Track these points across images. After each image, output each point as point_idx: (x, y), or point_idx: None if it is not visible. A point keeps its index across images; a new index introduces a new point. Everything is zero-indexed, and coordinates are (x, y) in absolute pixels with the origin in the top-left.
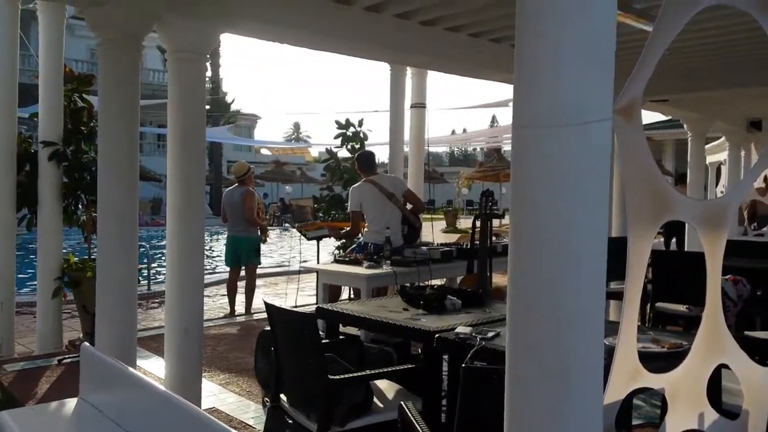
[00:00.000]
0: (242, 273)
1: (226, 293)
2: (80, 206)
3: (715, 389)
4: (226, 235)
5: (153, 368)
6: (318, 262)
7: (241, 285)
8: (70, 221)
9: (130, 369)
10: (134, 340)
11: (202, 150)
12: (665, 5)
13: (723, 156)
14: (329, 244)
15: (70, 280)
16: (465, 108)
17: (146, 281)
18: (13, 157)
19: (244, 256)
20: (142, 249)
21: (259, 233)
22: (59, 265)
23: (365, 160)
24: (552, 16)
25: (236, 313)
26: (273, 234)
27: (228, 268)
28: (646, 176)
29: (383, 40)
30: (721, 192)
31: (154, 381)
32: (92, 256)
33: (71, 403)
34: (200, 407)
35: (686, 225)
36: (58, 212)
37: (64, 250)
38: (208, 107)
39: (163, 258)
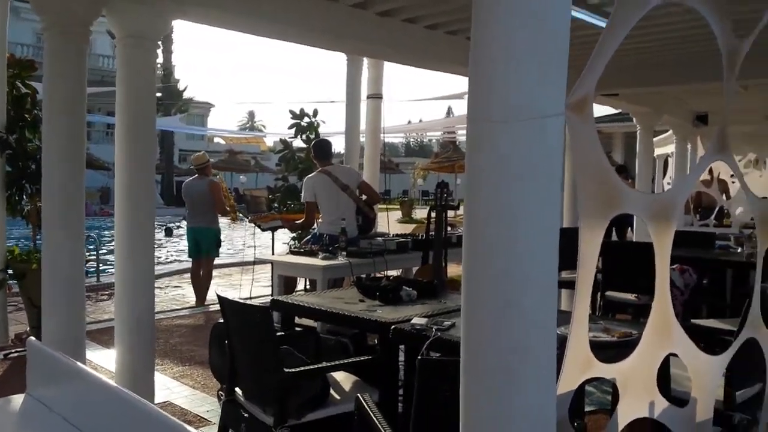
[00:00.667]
0: None
1: (180, 284)
2: (24, 196)
3: (664, 377)
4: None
5: (103, 362)
6: (273, 253)
7: None
8: (14, 211)
9: (79, 363)
10: (83, 333)
11: (153, 139)
12: (619, 1)
13: (670, 149)
14: (284, 235)
15: (14, 272)
16: (421, 100)
17: (95, 273)
18: None
19: (204, 249)
20: (90, 240)
21: (219, 225)
22: (3, 256)
23: (321, 149)
24: (507, 10)
25: (206, 303)
26: (226, 224)
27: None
28: (598, 170)
29: (339, 29)
30: (668, 183)
31: (104, 375)
32: (37, 247)
33: (18, 399)
34: (153, 401)
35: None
36: (1, 202)
37: (11, 242)
38: (159, 95)
39: (112, 248)
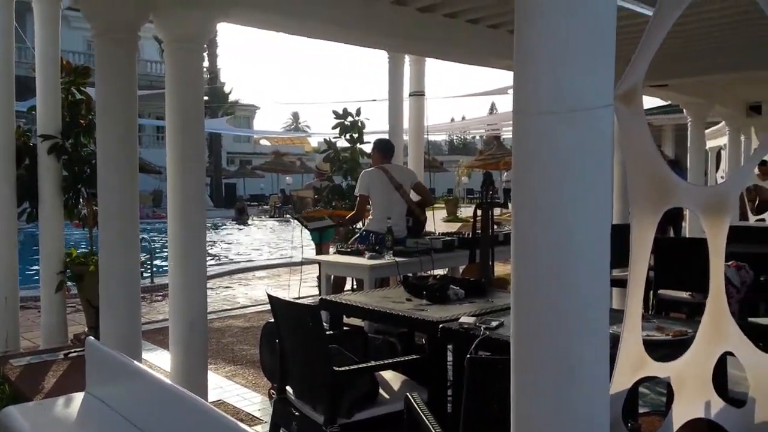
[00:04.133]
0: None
1: (231, 285)
2: (81, 200)
3: (720, 377)
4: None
5: (159, 361)
6: (320, 253)
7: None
8: (71, 215)
9: (135, 362)
10: (139, 334)
11: (202, 141)
12: None
13: (723, 141)
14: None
15: (72, 274)
16: (464, 96)
17: (149, 274)
18: (12, 151)
19: None
20: (144, 242)
21: None
22: (61, 259)
23: (384, 146)
24: (551, 2)
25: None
26: (274, 225)
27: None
28: (648, 163)
29: (381, 27)
30: (722, 177)
31: (159, 374)
32: (94, 250)
33: (78, 397)
34: (206, 400)
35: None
36: (59, 206)
37: (72, 244)
38: (206, 98)
39: (165, 250)
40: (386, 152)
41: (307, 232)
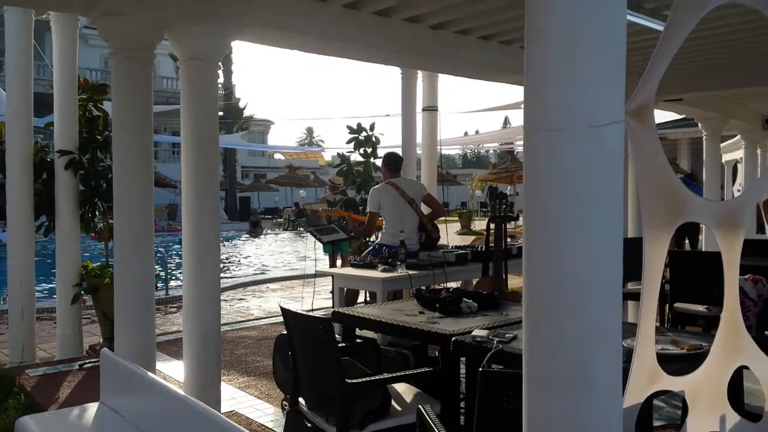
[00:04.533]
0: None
1: (245, 297)
2: (97, 213)
3: (736, 391)
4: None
5: (173, 372)
6: (333, 266)
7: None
8: (87, 228)
9: (150, 373)
10: (153, 345)
11: (216, 156)
12: (676, 4)
13: (739, 154)
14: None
15: (88, 287)
16: (477, 111)
17: (164, 286)
18: (30, 165)
19: None
20: (159, 255)
21: None
22: (78, 271)
23: (393, 160)
24: (561, 18)
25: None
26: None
27: None
28: (660, 178)
29: (393, 44)
30: (738, 190)
31: (173, 385)
32: (110, 263)
33: (92, 407)
34: (220, 411)
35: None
36: (75, 220)
37: (87, 256)
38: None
39: (180, 263)
40: (394, 167)
41: (320, 245)
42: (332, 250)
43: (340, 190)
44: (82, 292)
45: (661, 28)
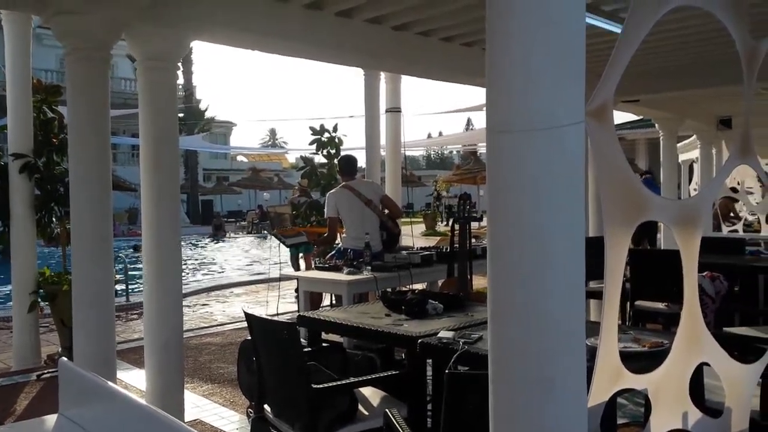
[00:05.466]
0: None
1: (208, 302)
2: (54, 219)
3: (697, 387)
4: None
5: (134, 381)
6: (298, 269)
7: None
8: (43, 234)
9: (110, 383)
10: (113, 353)
11: (176, 159)
12: (633, 7)
13: (695, 154)
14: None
15: (46, 294)
16: (440, 113)
17: (124, 293)
18: None
19: None
20: (119, 260)
21: None
22: (34, 278)
23: (347, 164)
24: (522, 20)
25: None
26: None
27: None
28: (620, 178)
29: (355, 45)
30: (695, 190)
31: (135, 394)
32: (68, 269)
33: (51, 419)
34: (183, 420)
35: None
36: (31, 225)
37: (49, 263)
38: (182, 115)
39: (141, 268)
40: (348, 170)
41: (285, 248)
42: (296, 251)
43: (305, 192)
44: (39, 300)
45: (619, 31)
